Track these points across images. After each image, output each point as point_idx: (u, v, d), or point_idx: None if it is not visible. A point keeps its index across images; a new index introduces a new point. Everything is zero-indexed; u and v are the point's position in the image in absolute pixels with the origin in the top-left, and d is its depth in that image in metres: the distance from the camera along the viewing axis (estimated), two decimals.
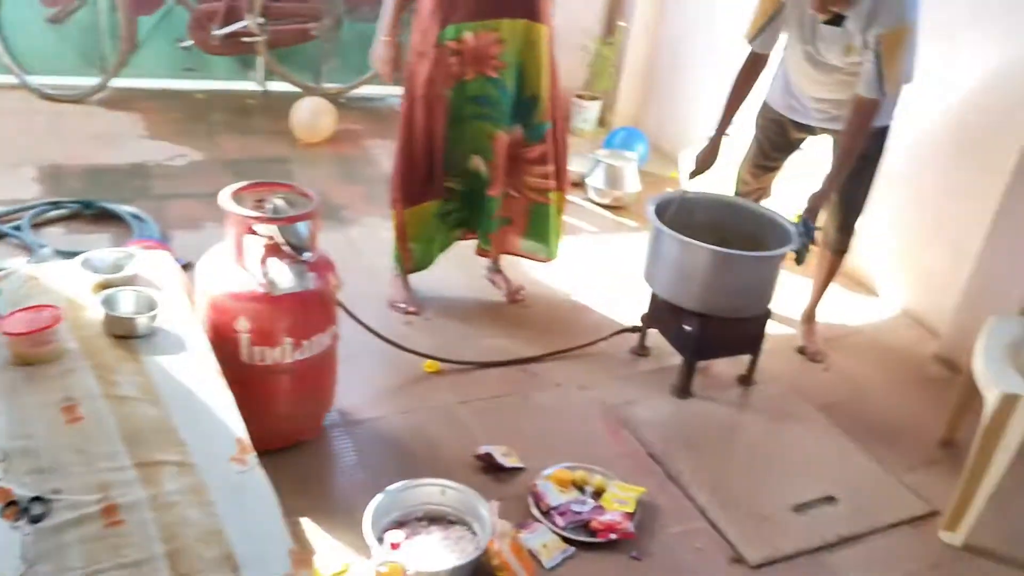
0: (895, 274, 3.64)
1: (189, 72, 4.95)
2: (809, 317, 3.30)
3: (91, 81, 4.61)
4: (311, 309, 2.22)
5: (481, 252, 3.26)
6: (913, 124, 3.40)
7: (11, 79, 4.51)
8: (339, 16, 4.73)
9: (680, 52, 4.81)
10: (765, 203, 3.41)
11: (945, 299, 3.32)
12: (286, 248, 2.19)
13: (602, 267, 3.65)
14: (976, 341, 2.51)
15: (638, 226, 4.04)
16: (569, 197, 4.16)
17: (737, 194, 3.27)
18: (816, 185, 2.83)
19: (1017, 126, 2.99)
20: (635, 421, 2.70)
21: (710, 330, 2.77)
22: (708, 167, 2.97)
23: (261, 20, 4.58)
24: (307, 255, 2.21)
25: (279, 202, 2.21)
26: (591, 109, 5.01)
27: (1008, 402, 2.22)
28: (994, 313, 2.63)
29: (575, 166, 4.35)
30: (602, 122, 5.20)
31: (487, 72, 2.83)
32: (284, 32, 4.70)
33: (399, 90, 2.95)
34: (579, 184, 4.30)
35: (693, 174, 2.97)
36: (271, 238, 2.19)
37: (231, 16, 4.55)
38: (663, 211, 2.85)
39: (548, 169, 3.04)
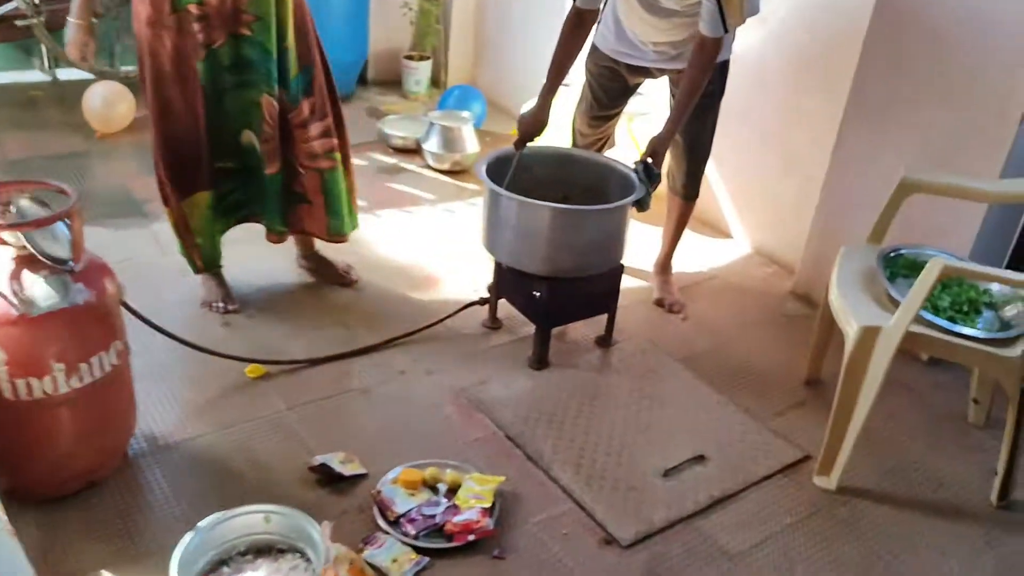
0: (747, 213, 3.55)
1: None
2: (664, 267, 3.15)
3: None
4: (84, 326, 1.86)
5: (273, 238, 2.81)
6: (750, 53, 3.29)
7: None
8: None
9: (509, 2, 4.57)
10: (611, 153, 3.24)
11: (797, 234, 3.24)
12: (42, 258, 1.81)
13: (444, 237, 3.39)
14: (830, 274, 2.40)
15: (480, 190, 3.78)
16: (405, 164, 3.92)
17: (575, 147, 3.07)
18: (658, 127, 2.65)
19: (851, 44, 2.90)
20: (490, 402, 2.47)
21: (560, 293, 2.56)
22: (537, 132, 2.71)
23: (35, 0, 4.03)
24: (70, 264, 1.84)
25: (25, 203, 1.83)
26: (422, 70, 4.71)
27: (868, 335, 2.11)
28: (844, 243, 2.54)
29: (409, 131, 4.07)
30: (435, 83, 4.91)
31: (240, 31, 2.45)
32: (64, 11, 4.13)
33: None
34: (415, 151, 4.01)
35: (519, 143, 2.69)
36: (23, 247, 1.81)
37: None
38: (498, 171, 2.61)
39: (326, 124, 2.65)
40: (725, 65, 2.80)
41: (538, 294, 2.56)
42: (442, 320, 2.78)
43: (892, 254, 2.39)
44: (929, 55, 2.63)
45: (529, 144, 2.71)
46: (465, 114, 4.02)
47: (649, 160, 2.60)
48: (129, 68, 4.43)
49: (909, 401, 2.66)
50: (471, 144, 3.94)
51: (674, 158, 2.97)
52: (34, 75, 4.44)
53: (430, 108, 4.40)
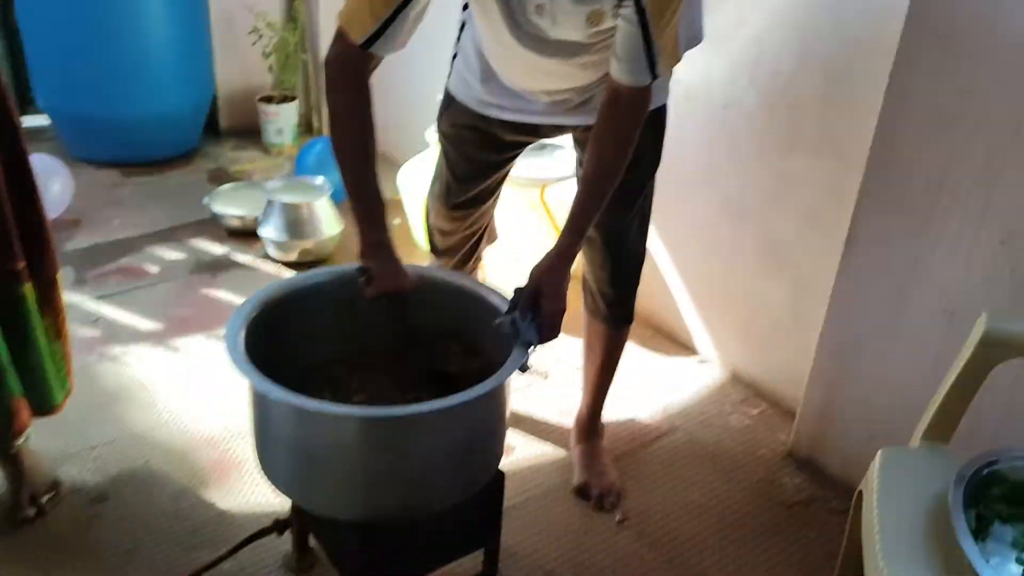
0: (718, 322, 2.43)
1: None
2: (588, 430, 2.04)
3: None
4: None
5: None
6: (712, 90, 2.20)
7: None
8: None
9: None
10: (493, 251, 2.15)
11: (792, 354, 2.15)
12: None
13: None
14: (865, 490, 1.33)
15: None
16: (239, 256, 2.73)
17: (436, 253, 1.96)
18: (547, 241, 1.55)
19: (869, 72, 1.82)
20: None
21: (391, 543, 1.45)
22: (403, 282, 1.55)
23: None
24: None
25: None
26: (284, 115, 3.57)
27: None
28: (870, 391, 1.45)
29: (249, 208, 2.95)
30: (309, 129, 3.80)
31: None
32: None
33: None
34: (253, 235, 2.88)
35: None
36: None
37: None
38: (274, 330, 1.48)
39: None
40: (659, 115, 1.73)
41: (351, 546, 1.44)
42: (217, 562, 1.65)
43: (983, 472, 1.28)
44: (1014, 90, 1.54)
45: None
46: (319, 181, 2.89)
47: (536, 296, 1.50)
48: None
49: None
50: (328, 224, 2.81)
51: (590, 263, 1.87)
52: None
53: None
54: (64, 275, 2.63)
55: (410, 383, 1.60)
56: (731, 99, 2.19)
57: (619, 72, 1.45)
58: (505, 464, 1.54)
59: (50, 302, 1.75)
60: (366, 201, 1.52)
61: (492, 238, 2.04)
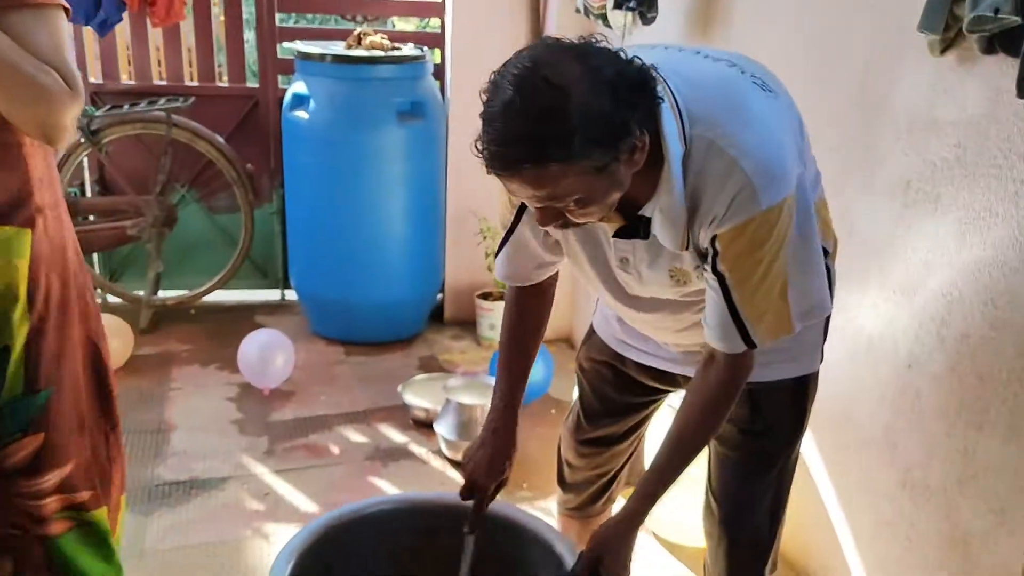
0: None
1: None
2: None
3: None
4: None
5: None
6: (894, 346, 1.97)
7: None
8: (167, 207, 3.71)
9: None
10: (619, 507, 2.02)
11: None
12: None
13: None
14: None
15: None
16: (416, 448, 2.82)
17: (562, 486, 1.88)
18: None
19: None
20: None
21: None
22: (501, 477, 1.59)
23: None
24: None
25: None
26: (498, 312, 3.71)
27: None
28: None
29: (433, 402, 3.05)
30: None
31: None
32: (94, 233, 3.71)
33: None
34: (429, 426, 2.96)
35: (475, 511, 1.56)
36: None
37: None
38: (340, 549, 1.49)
39: (63, 472, 1.54)
40: (802, 383, 1.57)
41: None
42: None
43: None
44: None
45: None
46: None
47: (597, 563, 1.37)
48: (175, 294, 3.89)
49: None
50: None
51: (707, 537, 1.69)
52: None
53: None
54: (259, 444, 2.89)
55: None
56: (916, 358, 1.93)
57: (710, 337, 1.34)
58: None
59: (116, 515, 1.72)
60: (500, 396, 1.61)
61: (614, 495, 1.91)
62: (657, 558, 2.42)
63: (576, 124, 1.09)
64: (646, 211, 1.28)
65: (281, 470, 2.74)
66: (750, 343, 1.31)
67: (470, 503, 1.56)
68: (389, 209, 3.61)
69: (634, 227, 1.32)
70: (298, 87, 3.50)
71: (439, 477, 2.76)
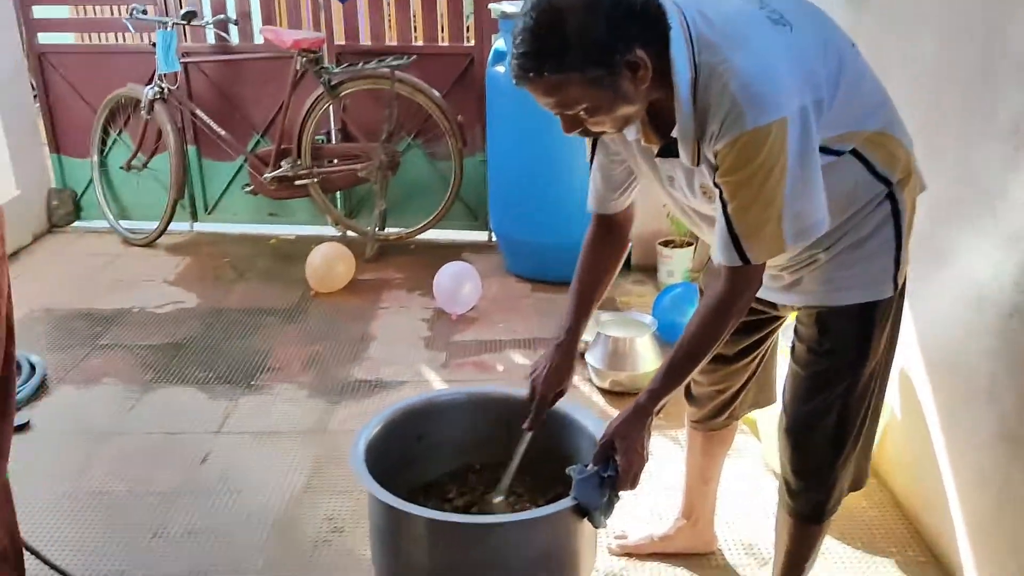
0: (984, 562, 2.04)
1: (273, 217, 4.81)
2: None
3: (180, 226, 4.70)
4: None
5: None
6: (1000, 294, 1.94)
7: (104, 224, 4.71)
8: (392, 153, 4.24)
9: None
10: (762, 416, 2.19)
11: None
12: None
13: None
14: None
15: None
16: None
17: (688, 399, 2.08)
18: None
19: None
20: None
21: None
22: (560, 390, 1.82)
23: (307, 164, 4.27)
24: None
25: None
26: (677, 259, 3.87)
27: None
28: None
29: (587, 335, 3.29)
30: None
31: None
32: (334, 174, 4.33)
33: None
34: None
35: (535, 415, 1.79)
36: None
37: (281, 159, 4.31)
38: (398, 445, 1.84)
39: None
40: (867, 310, 1.64)
41: None
42: None
43: None
44: None
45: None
46: (647, 319, 3.13)
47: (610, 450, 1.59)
48: (395, 230, 4.45)
49: None
50: (646, 361, 3.02)
51: (778, 443, 1.82)
52: (329, 231, 4.69)
53: None
54: (438, 358, 3.32)
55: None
56: (1019, 307, 1.88)
57: (713, 252, 1.51)
58: None
59: None
60: (569, 316, 1.81)
61: (765, 402, 2.06)
62: (773, 491, 2.52)
63: (572, 42, 1.32)
64: (674, 132, 1.47)
65: (451, 380, 3.16)
66: (745, 259, 1.44)
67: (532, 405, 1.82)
68: (580, 158, 3.85)
69: (670, 147, 1.51)
70: (499, 44, 3.85)
71: (585, 402, 3.02)
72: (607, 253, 1.85)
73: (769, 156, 1.37)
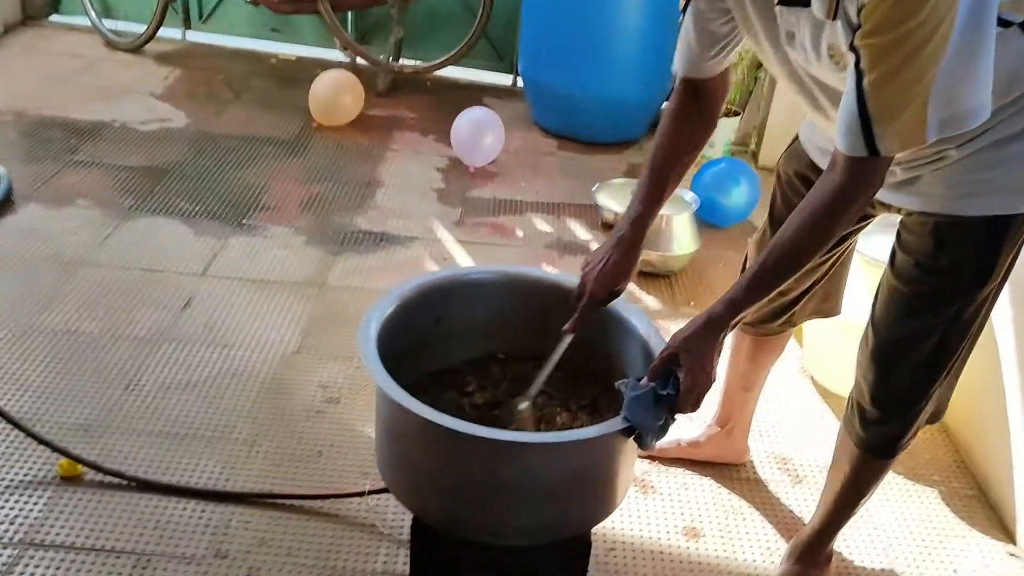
0: None
1: (275, 33, 4.33)
2: (806, 552, 1.74)
3: (170, 32, 4.23)
4: None
5: None
6: None
7: (85, 21, 4.22)
8: None
9: None
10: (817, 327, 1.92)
11: None
12: None
13: None
14: None
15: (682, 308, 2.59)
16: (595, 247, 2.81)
17: None
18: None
19: None
20: None
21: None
22: (619, 288, 1.49)
23: None
24: None
25: None
26: (722, 128, 3.48)
27: None
28: None
29: (619, 205, 2.98)
30: (744, 146, 3.66)
31: None
32: None
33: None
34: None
35: (581, 313, 1.48)
36: None
37: None
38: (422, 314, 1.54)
39: None
40: (997, 224, 1.36)
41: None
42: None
43: None
44: None
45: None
46: (688, 196, 2.80)
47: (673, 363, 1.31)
48: (412, 63, 4.01)
49: None
50: (681, 242, 2.71)
51: (858, 366, 1.57)
52: (337, 55, 4.24)
53: None
54: (451, 214, 3.01)
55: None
56: None
57: (836, 133, 1.18)
58: None
59: None
60: (638, 199, 1.48)
61: (828, 312, 1.79)
62: (812, 403, 2.29)
63: None
64: None
65: (464, 241, 2.85)
66: (873, 148, 1.13)
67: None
68: (626, 2, 3.41)
69: None
70: None
71: None
72: (691, 129, 1.50)
73: (933, 15, 1.05)
